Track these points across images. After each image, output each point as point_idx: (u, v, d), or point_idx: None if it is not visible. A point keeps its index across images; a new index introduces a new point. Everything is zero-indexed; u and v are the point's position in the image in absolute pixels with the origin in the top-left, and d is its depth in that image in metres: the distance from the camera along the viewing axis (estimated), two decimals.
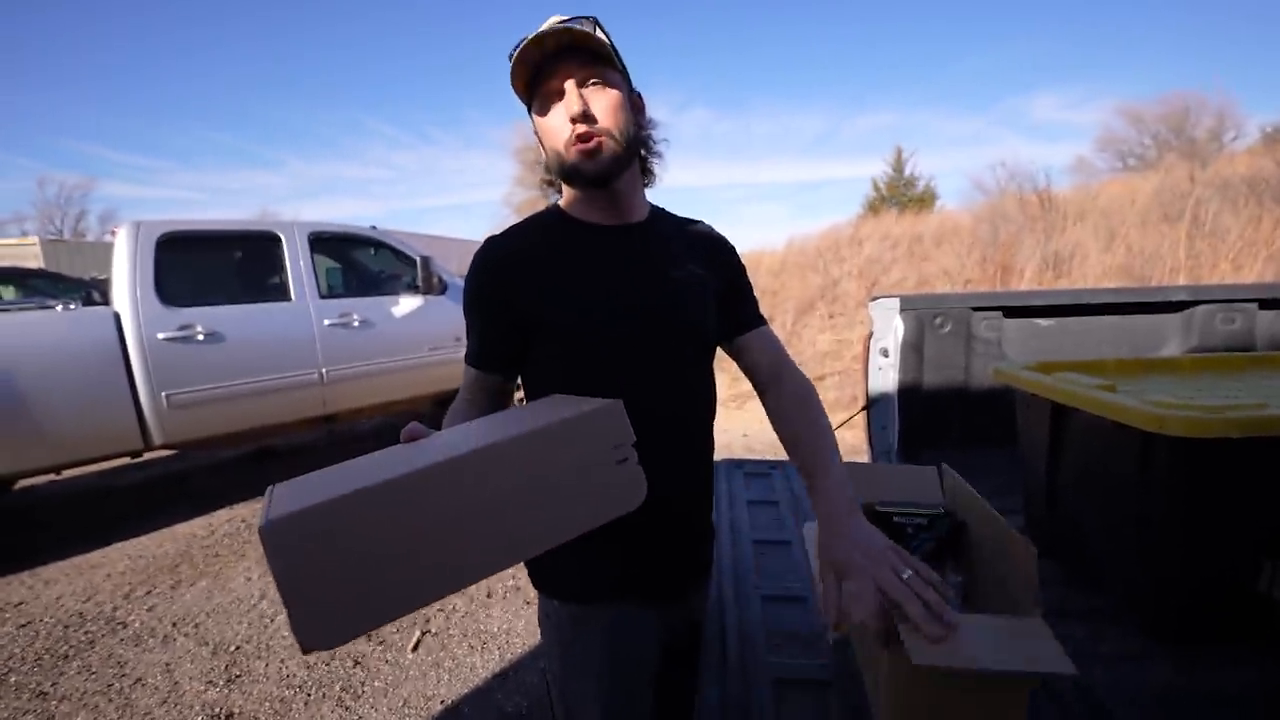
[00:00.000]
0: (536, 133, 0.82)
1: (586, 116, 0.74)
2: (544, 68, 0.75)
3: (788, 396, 0.88)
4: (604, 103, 0.75)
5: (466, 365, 0.87)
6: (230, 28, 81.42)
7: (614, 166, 0.77)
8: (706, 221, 0.98)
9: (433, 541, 0.51)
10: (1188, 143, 13.82)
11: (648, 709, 0.87)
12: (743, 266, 0.96)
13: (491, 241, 0.84)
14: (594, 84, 0.76)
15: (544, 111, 0.78)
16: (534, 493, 0.56)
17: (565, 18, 0.75)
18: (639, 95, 0.85)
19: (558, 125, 0.76)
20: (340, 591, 0.47)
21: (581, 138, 0.74)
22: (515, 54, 0.74)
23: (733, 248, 0.96)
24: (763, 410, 0.92)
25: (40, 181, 37.15)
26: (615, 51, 0.78)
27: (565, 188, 0.85)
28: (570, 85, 0.74)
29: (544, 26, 0.75)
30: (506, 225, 0.89)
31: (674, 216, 0.94)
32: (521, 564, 0.65)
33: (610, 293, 0.80)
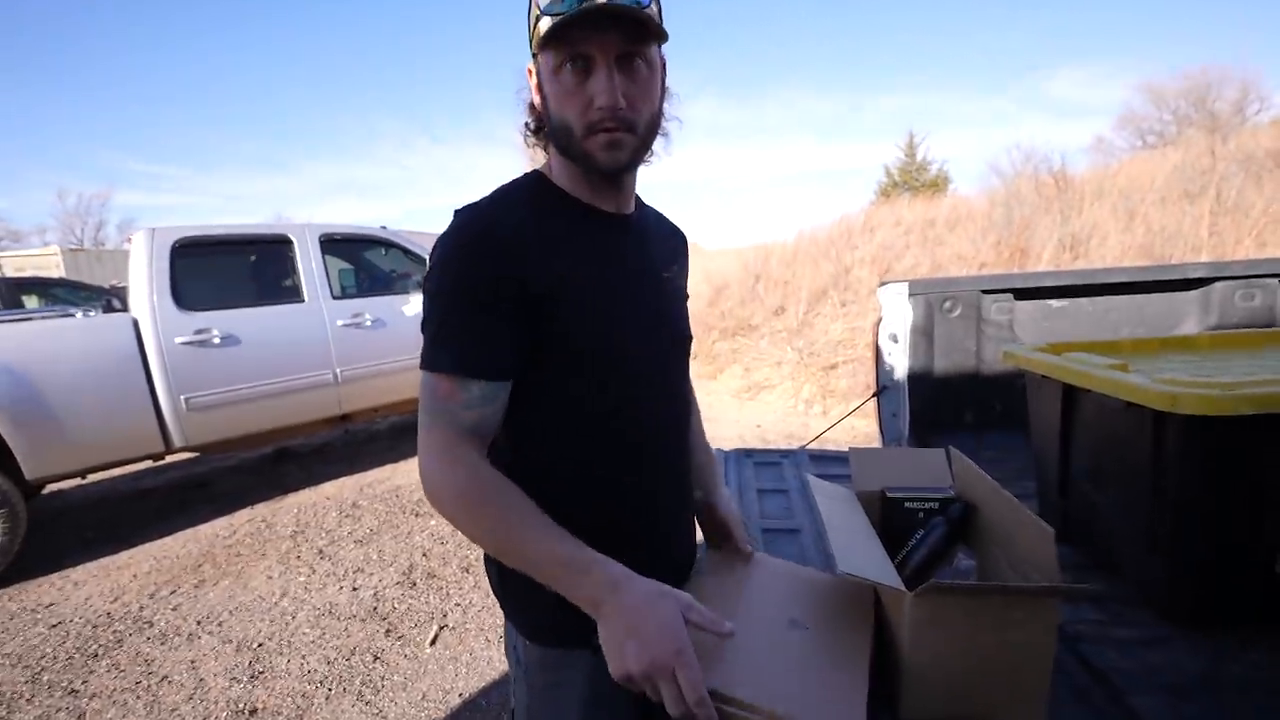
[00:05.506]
0: (537, 79, 0.70)
1: (617, 110, 0.64)
2: (577, 25, 0.62)
3: (693, 412, 0.94)
4: (638, 90, 0.66)
5: (460, 380, 0.65)
6: (240, 33, 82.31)
7: (631, 162, 0.70)
8: (668, 215, 0.94)
9: None
10: (1209, 116, 13.48)
11: None
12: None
13: (480, 213, 0.69)
14: (633, 64, 0.65)
15: (562, 72, 0.65)
16: None
17: None
18: (663, 59, 0.71)
19: (579, 100, 0.65)
20: None
21: (606, 128, 0.65)
22: (557, 15, 0.62)
23: (688, 247, 0.95)
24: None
25: (60, 194, 37.89)
26: (661, 19, 0.67)
27: (555, 151, 0.73)
28: (609, 64, 0.64)
29: None
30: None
31: (649, 208, 0.88)
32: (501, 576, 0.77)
33: (626, 300, 0.74)
